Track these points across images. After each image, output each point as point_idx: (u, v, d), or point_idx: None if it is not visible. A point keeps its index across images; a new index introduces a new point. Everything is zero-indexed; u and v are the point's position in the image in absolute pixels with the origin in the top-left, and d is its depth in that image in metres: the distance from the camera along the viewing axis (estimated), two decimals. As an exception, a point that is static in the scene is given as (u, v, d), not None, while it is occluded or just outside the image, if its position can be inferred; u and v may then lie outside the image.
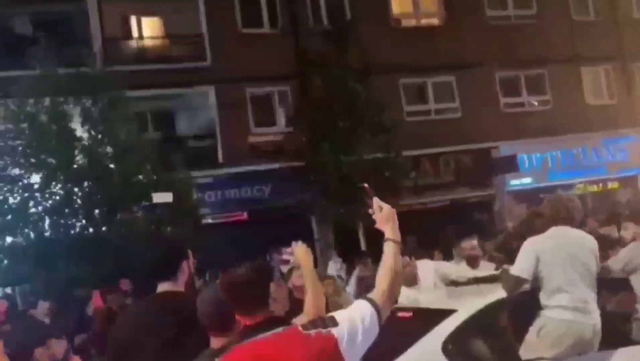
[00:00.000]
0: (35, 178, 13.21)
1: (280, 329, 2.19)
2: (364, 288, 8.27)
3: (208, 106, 18.19)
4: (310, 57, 17.01)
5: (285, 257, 3.11)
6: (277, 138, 18.16)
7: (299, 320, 2.59)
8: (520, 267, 4.69)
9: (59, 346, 3.20)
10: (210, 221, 17.08)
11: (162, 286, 3.29)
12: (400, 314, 5.43)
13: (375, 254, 10.40)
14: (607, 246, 9.46)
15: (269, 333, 2.17)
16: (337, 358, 2.20)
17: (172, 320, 3.01)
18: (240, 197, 18.09)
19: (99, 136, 13.43)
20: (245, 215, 17.85)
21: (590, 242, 4.83)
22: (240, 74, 17.58)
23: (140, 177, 13.34)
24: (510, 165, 19.13)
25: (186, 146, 17.52)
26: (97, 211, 13.01)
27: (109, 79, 13.48)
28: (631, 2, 21.99)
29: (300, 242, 3.10)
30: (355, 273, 9.05)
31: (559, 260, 4.63)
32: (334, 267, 12.09)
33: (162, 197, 11.92)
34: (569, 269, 4.62)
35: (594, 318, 4.58)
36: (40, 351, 3.16)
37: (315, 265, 9.70)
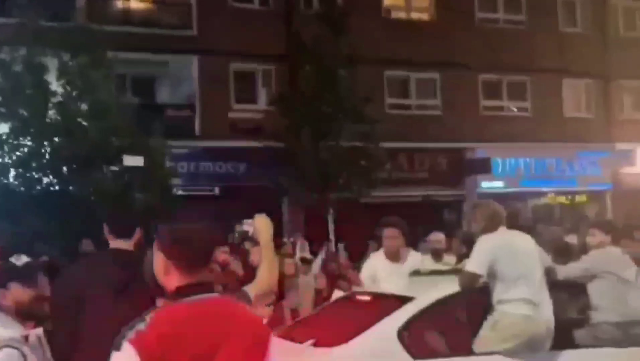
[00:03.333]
0: (4, 129, 12.99)
1: (211, 295, 2.11)
2: (327, 272, 8.32)
3: (190, 76, 18.01)
4: (301, 41, 16.89)
5: (245, 227, 3.07)
6: (257, 117, 18.07)
7: (248, 289, 2.59)
8: (475, 263, 4.78)
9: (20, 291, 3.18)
10: (181, 192, 16.99)
11: (115, 244, 3.48)
12: (359, 297, 5.49)
13: (343, 241, 10.46)
14: (570, 253, 9.65)
15: (201, 297, 2.09)
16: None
17: (123, 274, 3.22)
18: (214, 171, 18.01)
19: (75, 93, 13.22)
20: (216, 190, 17.77)
21: (533, 242, 5.02)
22: (226, 48, 17.44)
23: (114, 139, 13.17)
24: (483, 167, 19.31)
25: (164, 114, 17.31)
26: (65, 168, 12.84)
27: (91, 37, 13.24)
28: (619, 19, 22.22)
29: (264, 214, 3.06)
30: (320, 257, 9.09)
31: (512, 257, 4.75)
32: (301, 249, 12.08)
33: (133, 160, 11.82)
34: (522, 266, 4.75)
35: (548, 316, 4.68)
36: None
37: (280, 245, 9.66)
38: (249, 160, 17.64)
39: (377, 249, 6.10)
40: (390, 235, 5.76)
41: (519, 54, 19.95)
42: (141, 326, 2.00)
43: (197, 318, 2.03)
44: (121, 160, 12.41)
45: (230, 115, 18.08)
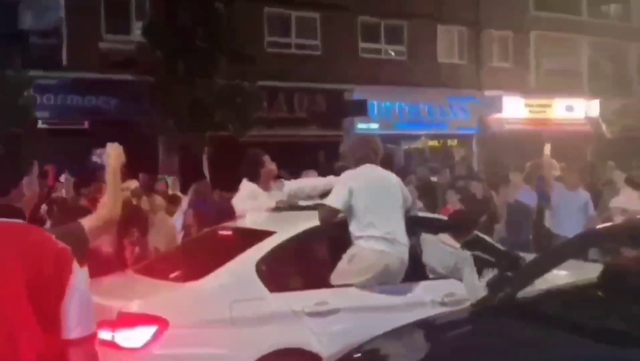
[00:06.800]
0: None
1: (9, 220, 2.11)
2: (196, 209, 8.25)
3: (56, 2, 16.82)
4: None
5: (94, 158, 2.93)
6: (130, 49, 17.23)
7: (87, 220, 2.52)
8: (334, 198, 4.90)
9: None
10: (46, 126, 16.14)
11: None
12: (221, 232, 5.50)
13: (217, 180, 10.27)
14: (434, 191, 10.21)
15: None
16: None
17: None
18: (83, 105, 17.16)
19: None
20: (86, 125, 16.97)
21: (396, 180, 5.21)
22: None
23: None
24: (360, 109, 19.69)
25: (27, 42, 16.18)
26: None
27: None
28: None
29: (115, 144, 2.96)
30: (189, 194, 9.01)
31: (370, 193, 4.91)
32: (173, 187, 11.87)
33: None
34: (379, 202, 4.91)
35: (402, 250, 4.90)
36: None
37: (152, 182, 9.37)
38: (122, 94, 16.89)
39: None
40: (270, 160, 5.81)
41: (398, -3, 20.26)
42: None
43: None
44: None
45: (101, 45, 17.16)
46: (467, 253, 5.11)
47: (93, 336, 2.09)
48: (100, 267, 5.08)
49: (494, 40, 23.39)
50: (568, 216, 8.28)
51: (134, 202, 7.22)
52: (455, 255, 5.07)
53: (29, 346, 1.93)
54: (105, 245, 5.56)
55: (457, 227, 5.37)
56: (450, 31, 22.52)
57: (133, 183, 7.57)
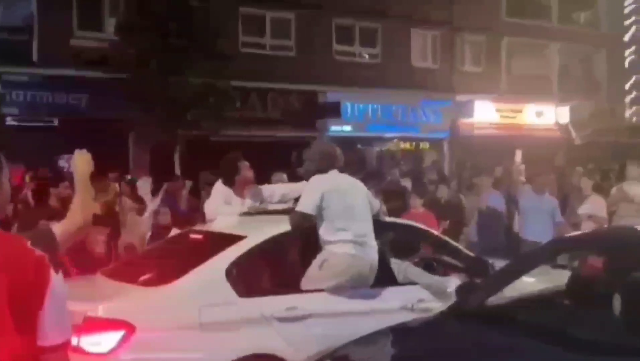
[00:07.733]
0: None
1: None
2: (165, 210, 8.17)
3: (27, -4, 16.57)
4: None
5: (61, 163, 2.89)
6: (102, 46, 17.01)
7: (57, 225, 2.48)
8: (306, 203, 4.89)
9: None
10: (14, 123, 15.89)
11: None
12: (192, 235, 5.45)
13: (189, 178, 10.22)
14: (404, 195, 10.26)
15: None
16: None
17: None
18: (53, 102, 16.90)
19: None
20: (56, 122, 16.74)
21: (362, 185, 5.27)
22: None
23: None
24: (333, 110, 19.68)
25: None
26: None
27: None
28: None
29: (83, 150, 2.93)
30: (161, 194, 8.92)
31: (341, 198, 4.92)
32: (144, 186, 11.72)
33: None
34: (350, 206, 4.93)
35: (372, 254, 4.92)
36: None
37: (122, 182, 9.23)
38: (93, 91, 16.68)
39: None
40: (248, 166, 5.79)
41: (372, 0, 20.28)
42: None
43: None
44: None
45: (73, 42, 16.91)
46: (406, 263, 5.20)
47: (68, 342, 2.06)
48: (92, 267, 5.06)
49: (465, 44, 23.57)
50: (536, 221, 8.39)
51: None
52: (396, 265, 5.14)
53: (6, 350, 1.91)
54: (98, 246, 5.55)
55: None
56: (423, 35, 22.64)
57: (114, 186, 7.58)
